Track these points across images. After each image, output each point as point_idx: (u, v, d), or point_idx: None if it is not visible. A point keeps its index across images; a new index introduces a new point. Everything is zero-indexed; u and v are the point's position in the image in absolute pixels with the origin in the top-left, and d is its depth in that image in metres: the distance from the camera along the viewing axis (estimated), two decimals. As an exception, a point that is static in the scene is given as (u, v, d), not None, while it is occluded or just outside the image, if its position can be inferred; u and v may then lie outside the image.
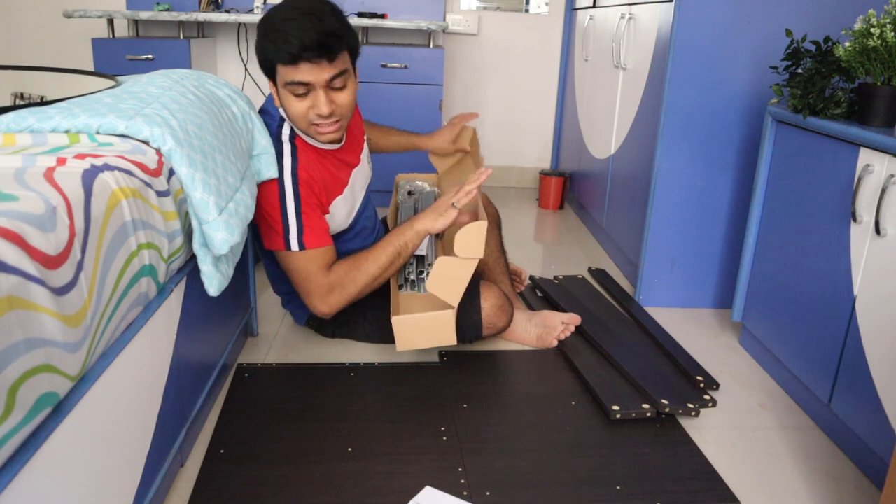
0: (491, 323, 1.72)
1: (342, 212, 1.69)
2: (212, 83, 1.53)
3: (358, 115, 1.82)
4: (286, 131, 1.60)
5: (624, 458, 1.39)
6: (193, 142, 1.23)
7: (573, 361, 1.73)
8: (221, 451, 1.35)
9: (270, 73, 1.52)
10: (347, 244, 1.76)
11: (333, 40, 1.44)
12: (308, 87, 1.48)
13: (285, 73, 1.46)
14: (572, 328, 1.85)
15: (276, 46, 1.43)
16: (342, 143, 1.69)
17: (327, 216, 1.64)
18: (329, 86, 1.49)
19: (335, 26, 1.45)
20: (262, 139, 1.55)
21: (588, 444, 1.43)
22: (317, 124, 1.53)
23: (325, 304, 1.60)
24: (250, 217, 1.38)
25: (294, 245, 1.55)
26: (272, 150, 1.55)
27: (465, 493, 1.26)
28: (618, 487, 1.30)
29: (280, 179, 1.55)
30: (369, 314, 1.75)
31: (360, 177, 1.78)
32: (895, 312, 1.26)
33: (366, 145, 1.85)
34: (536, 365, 1.75)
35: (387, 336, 1.69)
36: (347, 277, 1.59)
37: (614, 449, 1.42)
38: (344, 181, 1.69)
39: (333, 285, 1.59)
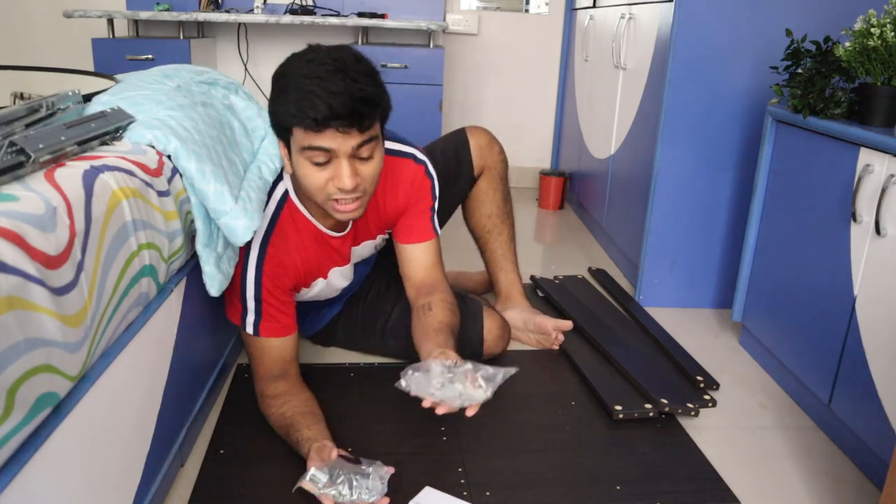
0: (490, 352, 1.70)
1: (323, 289, 1.55)
2: (201, 76, 1.53)
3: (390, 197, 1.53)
4: (277, 194, 1.41)
5: (624, 458, 1.39)
6: (195, 136, 1.23)
7: (574, 361, 1.73)
8: (221, 451, 1.35)
9: (283, 135, 1.26)
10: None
11: (368, 108, 1.19)
12: (330, 155, 1.21)
13: (304, 137, 1.20)
14: (562, 337, 1.82)
15: (297, 109, 1.17)
16: (346, 232, 1.48)
17: (302, 290, 1.50)
18: (355, 154, 1.23)
19: (371, 91, 1.20)
20: (259, 120, 1.51)
21: (588, 443, 1.43)
22: (336, 199, 1.27)
23: (260, 402, 1.42)
24: (263, 199, 1.34)
25: (249, 328, 1.41)
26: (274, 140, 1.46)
27: (465, 493, 1.26)
28: (618, 487, 1.30)
29: (245, 258, 1.38)
30: (380, 330, 1.71)
31: (357, 259, 1.61)
32: (895, 312, 1.26)
33: (380, 237, 1.59)
34: (536, 365, 1.75)
35: (385, 348, 1.71)
36: (272, 407, 1.38)
37: (614, 449, 1.41)
38: (326, 269, 1.50)
39: (266, 395, 1.40)
